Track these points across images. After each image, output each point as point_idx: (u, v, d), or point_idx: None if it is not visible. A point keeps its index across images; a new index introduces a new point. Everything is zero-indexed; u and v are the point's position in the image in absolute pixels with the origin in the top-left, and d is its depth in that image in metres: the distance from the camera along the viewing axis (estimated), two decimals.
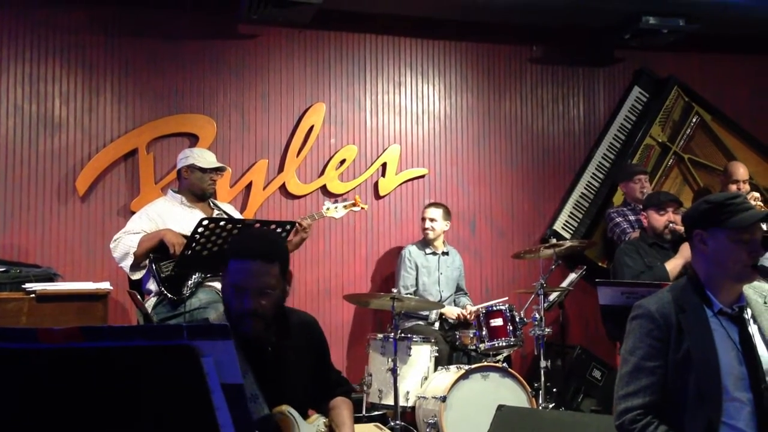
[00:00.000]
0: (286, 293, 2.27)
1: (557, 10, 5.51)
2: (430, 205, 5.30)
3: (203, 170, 4.16)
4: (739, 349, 2.17)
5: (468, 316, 4.96)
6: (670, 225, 4.27)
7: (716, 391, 2.12)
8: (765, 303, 2.28)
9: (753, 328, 2.22)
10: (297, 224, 4.03)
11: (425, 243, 5.28)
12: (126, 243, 3.91)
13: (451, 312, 5.05)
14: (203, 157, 4.22)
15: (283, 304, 2.28)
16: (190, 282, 3.85)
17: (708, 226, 2.25)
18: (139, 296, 3.88)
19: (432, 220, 5.21)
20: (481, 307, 4.80)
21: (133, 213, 4.48)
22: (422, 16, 5.61)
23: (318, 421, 2.34)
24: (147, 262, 3.89)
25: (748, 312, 2.24)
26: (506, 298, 5.03)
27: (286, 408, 2.20)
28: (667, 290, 2.32)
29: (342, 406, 2.43)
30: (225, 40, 5.37)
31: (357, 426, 3.51)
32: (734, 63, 6.40)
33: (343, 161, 5.50)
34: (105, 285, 4.17)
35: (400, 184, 5.64)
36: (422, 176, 5.70)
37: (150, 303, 3.89)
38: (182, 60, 5.26)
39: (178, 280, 3.81)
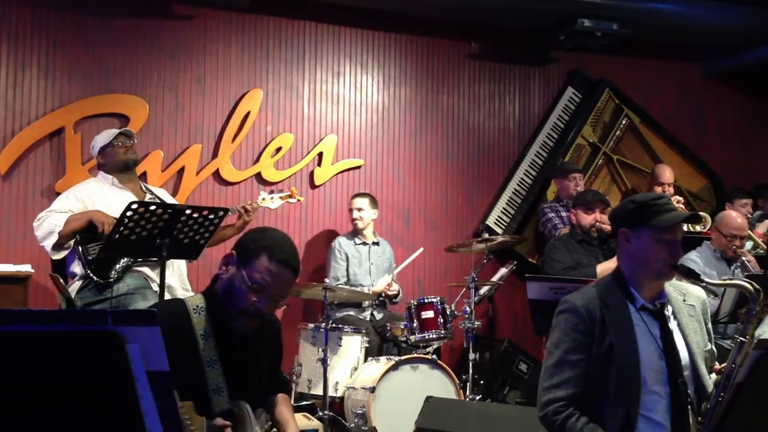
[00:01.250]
0: None
1: (495, 9, 5.59)
2: (356, 195, 5.32)
3: (110, 144, 4.04)
4: (659, 344, 2.24)
5: (390, 288, 5.01)
6: (597, 224, 4.41)
7: (635, 383, 2.18)
8: (684, 301, 2.37)
9: (673, 324, 2.30)
10: (242, 207, 4.05)
11: (355, 233, 5.29)
12: (51, 221, 3.77)
13: (379, 286, 5.06)
14: (103, 135, 4.11)
15: None
16: (117, 266, 3.74)
17: (633, 225, 2.32)
18: (62, 280, 3.75)
19: (359, 209, 5.22)
20: (398, 270, 5.01)
21: (58, 194, 4.32)
22: (363, 6, 5.59)
23: (262, 416, 2.33)
24: (72, 243, 3.76)
25: (669, 309, 2.32)
26: (422, 249, 5.22)
27: (243, 404, 2.17)
28: (592, 286, 2.39)
29: (284, 404, 2.44)
30: (160, 20, 5.22)
31: None
32: (663, 69, 6.62)
33: (279, 149, 5.44)
34: (26, 267, 4.02)
35: (336, 174, 5.62)
36: (358, 167, 5.69)
37: (74, 287, 3.77)
38: (114, 38, 5.09)
39: (105, 263, 3.70)
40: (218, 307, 2.17)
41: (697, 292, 2.43)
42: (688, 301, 2.37)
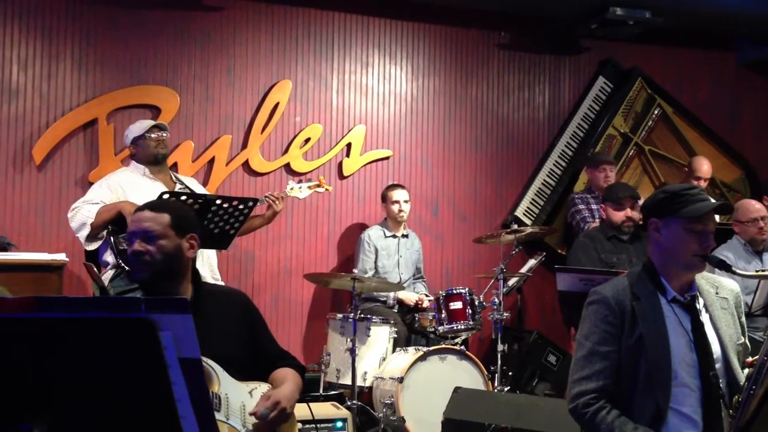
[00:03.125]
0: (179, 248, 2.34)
1: None
2: (395, 186, 5.27)
3: (143, 136, 4.10)
4: (690, 336, 2.21)
5: (423, 304, 5.01)
6: (628, 220, 4.31)
7: (666, 376, 2.16)
8: (717, 294, 2.33)
9: (705, 317, 2.27)
10: (271, 196, 4.12)
11: (385, 225, 5.28)
12: (84, 213, 3.84)
13: (409, 298, 5.08)
14: (138, 126, 4.20)
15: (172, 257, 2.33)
16: None
17: (662, 215, 2.28)
18: (95, 268, 3.81)
19: (406, 202, 5.21)
20: (441, 293, 4.82)
21: (91, 184, 4.40)
22: None
23: (256, 385, 2.33)
24: (104, 233, 3.82)
25: (701, 301, 2.29)
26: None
27: (203, 358, 2.18)
28: (623, 277, 2.36)
29: (284, 372, 2.42)
30: (190, 11, 5.26)
31: (314, 405, 3.52)
32: (696, 57, 6.50)
33: (307, 140, 5.46)
34: (61, 256, 4.08)
35: (364, 165, 5.62)
36: (387, 158, 5.69)
37: (107, 276, 3.83)
38: (146, 30, 5.14)
39: None
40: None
41: (730, 284, 2.39)
42: (720, 294, 2.33)
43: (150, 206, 2.39)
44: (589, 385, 2.21)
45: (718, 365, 2.21)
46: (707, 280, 2.37)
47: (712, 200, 2.36)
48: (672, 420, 2.16)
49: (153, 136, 4.10)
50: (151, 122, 4.21)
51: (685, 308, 2.26)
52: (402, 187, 5.28)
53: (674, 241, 2.24)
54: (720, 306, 2.30)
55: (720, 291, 2.34)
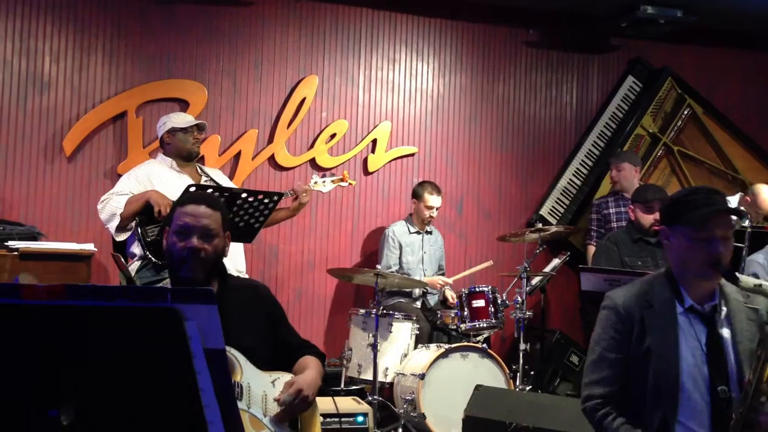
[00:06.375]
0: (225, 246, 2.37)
1: None
2: (434, 190, 5.17)
3: (184, 130, 4.14)
4: (703, 349, 2.13)
5: (450, 299, 5.01)
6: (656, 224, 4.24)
7: (673, 389, 2.11)
8: (746, 303, 2.19)
9: (725, 330, 2.16)
10: (293, 191, 4.14)
11: (410, 222, 5.28)
12: (113, 204, 3.89)
13: (435, 280, 5.07)
14: (181, 118, 4.22)
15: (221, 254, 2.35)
16: None
17: (670, 223, 2.20)
18: (122, 259, 3.86)
19: (438, 209, 5.20)
20: (466, 274, 4.99)
21: (120, 176, 4.45)
22: None
23: (278, 375, 2.34)
24: (133, 224, 3.87)
25: (723, 311, 2.18)
26: (490, 262, 5.25)
27: (230, 349, 2.20)
28: (642, 281, 2.29)
29: (306, 360, 2.44)
30: (219, 6, 5.30)
31: (335, 399, 3.54)
32: (728, 57, 6.41)
33: (333, 135, 5.48)
34: (89, 246, 4.15)
35: (390, 161, 5.63)
36: (412, 154, 5.69)
37: (134, 267, 3.88)
38: (175, 24, 5.19)
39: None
40: (171, 273, 2.35)
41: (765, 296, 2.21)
42: (751, 304, 2.20)
43: (206, 202, 2.32)
44: (597, 390, 2.20)
45: (732, 381, 2.12)
46: (742, 285, 2.16)
47: (727, 203, 2.24)
48: None
49: (195, 133, 4.15)
50: (194, 119, 4.25)
51: (702, 319, 2.17)
52: (440, 192, 5.22)
53: (682, 249, 2.16)
54: (747, 317, 2.17)
55: (751, 300, 2.20)
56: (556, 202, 5.95)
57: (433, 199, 5.16)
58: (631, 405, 2.18)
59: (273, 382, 2.30)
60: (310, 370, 2.35)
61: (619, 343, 2.19)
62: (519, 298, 4.71)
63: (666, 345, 2.14)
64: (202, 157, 5.09)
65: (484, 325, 4.67)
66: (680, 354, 2.13)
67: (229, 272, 2.46)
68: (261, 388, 2.26)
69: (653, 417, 2.13)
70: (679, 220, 2.16)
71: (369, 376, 4.42)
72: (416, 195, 5.24)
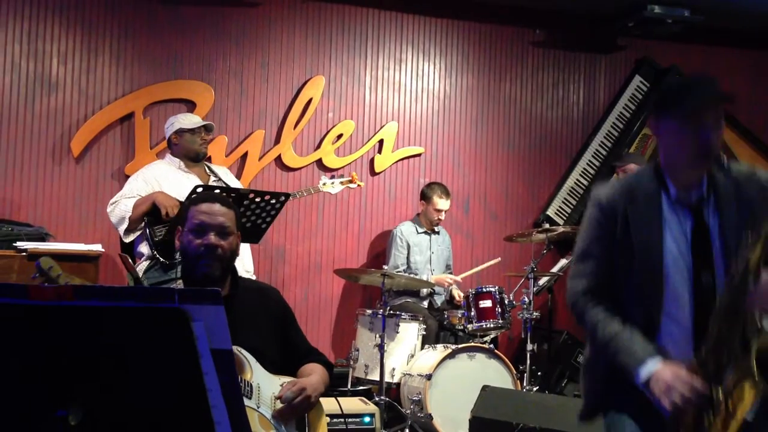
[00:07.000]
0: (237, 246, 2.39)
1: None
2: (443, 193, 5.19)
3: (192, 131, 4.15)
4: (688, 240, 2.08)
5: (457, 297, 5.01)
6: None
7: (657, 282, 2.05)
8: (737, 190, 2.11)
9: (711, 220, 2.10)
10: (300, 192, 4.24)
11: (418, 222, 5.28)
12: (122, 208, 3.91)
13: (443, 278, 5.07)
14: (188, 119, 4.24)
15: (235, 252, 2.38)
16: None
17: (659, 114, 2.12)
18: (130, 260, 3.88)
19: (446, 211, 5.21)
20: (474, 271, 5.02)
21: (128, 177, 4.47)
22: None
23: (287, 379, 2.34)
24: (142, 225, 3.89)
25: (710, 201, 2.11)
26: (499, 259, 5.27)
27: (236, 348, 2.21)
28: (628, 176, 2.26)
29: (311, 366, 2.44)
30: (226, 7, 5.31)
31: (342, 399, 3.54)
32: (735, 57, 6.38)
33: (340, 136, 5.48)
34: (97, 247, 4.16)
35: (396, 162, 5.63)
36: (418, 155, 5.69)
37: (141, 267, 3.89)
38: (182, 25, 5.21)
39: (170, 244, 3.80)
40: (186, 271, 2.37)
41: (759, 180, 2.12)
42: (743, 191, 2.11)
43: (220, 200, 2.36)
44: (581, 284, 2.16)
45: (718, 270, 2.05)
46: (731, 174, 2.13)
47: (718, 88, 2.12)
48: (665, 325, 2.06)
49: (202, 134, 4.16)
50: (201, 121, 4.26)
51: (689, 210, 2.10)
52: (449, 195, 5.23)
53: (671, 140, 2.09)
54: (737, 207, 2.09)
55: (744, 187, 2.11)
56: (563, 202, 5.94)
57: (442, 203, 5.17)
58: (616, 300, 2.13)
59: (281, 385, 2.31)
60: (314, 375, 2.36)
61: (603, 238, 2.14)
62: (526, 299, 4.70)
63: (650, 236, 2.08)
64: (209, 158, 5.10)
65: (491, 325, 4.67)
66: (664, 244, 2.07)
67: (239, 274, 2.47)
68: (270, 390, 2.26)
69: (638, 311, 2.08)
70: (669, 110, 2.08)
71: (376, 377, 4.42)
72: (425, 197, 5.24)
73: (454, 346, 4.45)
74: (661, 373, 1.96)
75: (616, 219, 2.13)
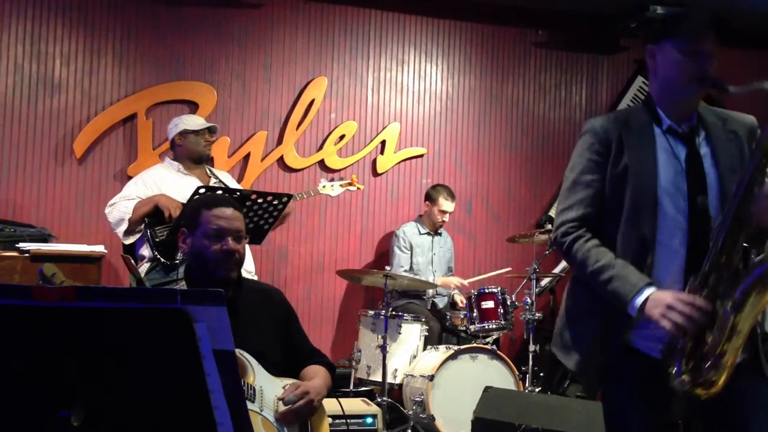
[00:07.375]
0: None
1: None
2: (449, 195, 5.20)
3: (196, 132, 4.15)
4: (682, 166, 2.07)
5: (460, 303, 5.02)
6: None
7: (651, 206, 2.03)
8: (724, 126, 2.16)
9: (704, 149, 2.11)
10: (302, 194, 4.22)
11: (420, 223, 5.28)
12: (120, 209, 3.92)
13: (449, 281, 5.08)
14: (193, 121, 4.23)
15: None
16: None
17: (658, 40, 2.14)
18: (132, 261, 3.88)
19: (450, 213, 5.21)
20: (482, 278, 5.02)
21: (130, 178, 4.47)
22: None
23: (290, 382, 2.34)
24: (142, 227, 3.89)
25: (702, 134, 2.13)
26: (509, 269, 5.26)
27: (239, 351, 2.21)
28: (623, 109, 2.27)
29: (315, 369, 2.44)
30: (228, 8, 5.32)
31: (344, 400, 3.54)
32: (739, 58, 6.35)
33: (342, 137, 5.48)
34: (99, 248, 4.16)
35: (399, 163, 5.63)
36: (421, 155, 5.69)
37: (143, 268, 3.89)
38: (185, 26, 5.21)
39: (172, 245, 3.81)
40: (198, 273, 2.34)
41: (744, 118, 2.20)
42: (729, 127, 2.16)
43: (231, 205, 2.38)
44: (570, 214, 2.11)
45: (712, 194, 2.04)
46: (716, 113, 2.19)
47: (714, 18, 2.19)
48: (659, 253, 2.02)
49: (206, 136, 4.17)
50: (206, 122, 4.26)
51: (681, 139, 2.11)
52: (454, 198, 5.24)
53: (670, 65, 2.10)
54: (725, 138, 2.13)
55: (729, 124, 2.16)
56: None
57: (447, 205, 5.18)
58: (605, 230, 2.09)
59: (284, 388, 2.30)
60: (318, 379, 2.36)
61: (595, 164, 2.11)
62: (528, 300, 4.69)
63: (644, 161, 2.07)
64: (212, 159, 5.11)
65: (494, 326, 4.67)
66: (658, 169, 2.06)
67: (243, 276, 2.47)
68: (273, 393, 2.26)
69: (630, 239, 2.04)
70: (668, 35, 2.10)
71: (378, 378, 4.42)
72: (430, 198, 5.24)
73: (456, 347, 4.45)
74: (660, 294, 1.91)
75: (610, 144, 2.11)
